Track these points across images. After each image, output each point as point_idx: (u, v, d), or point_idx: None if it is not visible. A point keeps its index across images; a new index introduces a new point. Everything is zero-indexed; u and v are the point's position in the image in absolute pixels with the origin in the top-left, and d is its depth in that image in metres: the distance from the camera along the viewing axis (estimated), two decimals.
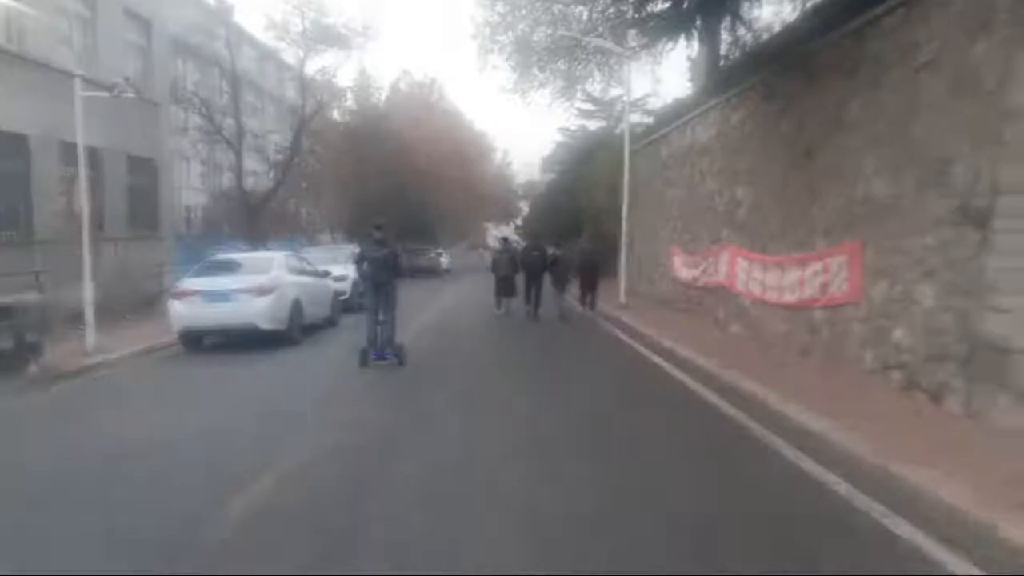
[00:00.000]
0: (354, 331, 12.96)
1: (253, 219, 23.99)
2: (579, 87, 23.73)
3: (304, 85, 24.30)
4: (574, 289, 16.33)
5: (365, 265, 9.75)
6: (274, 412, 7.38)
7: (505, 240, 18.89)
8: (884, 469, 4.71)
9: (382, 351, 9.47)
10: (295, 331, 11.85)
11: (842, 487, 4.72)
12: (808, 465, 5.20)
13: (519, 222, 60.82)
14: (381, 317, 9.52)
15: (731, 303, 11.84)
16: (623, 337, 12.55)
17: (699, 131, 14.25)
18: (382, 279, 9.60)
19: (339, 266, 16.55)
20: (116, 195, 17.90)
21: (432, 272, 36.29)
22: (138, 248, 17.91)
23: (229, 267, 12.06)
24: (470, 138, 46.14)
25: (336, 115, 33.76)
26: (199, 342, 11.75)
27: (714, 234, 12.89)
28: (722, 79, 12.95)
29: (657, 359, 10.11)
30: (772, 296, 9.91)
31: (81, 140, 10.84)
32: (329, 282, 14.48)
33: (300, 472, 5.35)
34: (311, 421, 7.03)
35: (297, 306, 11.95)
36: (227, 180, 29.01)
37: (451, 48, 74.68)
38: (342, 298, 15.98)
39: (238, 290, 11.08)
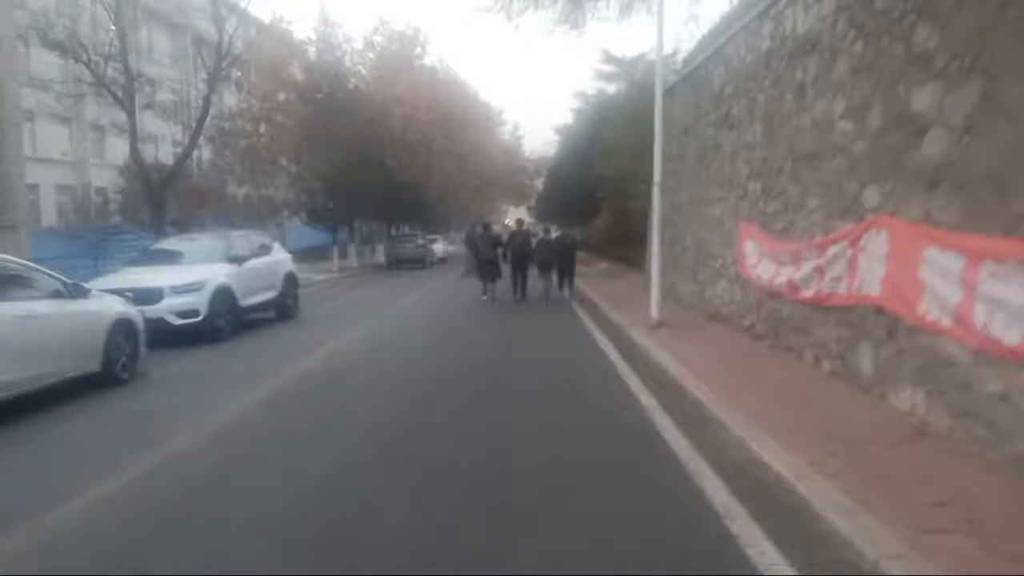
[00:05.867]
0: (161, 395, 6.76)
1: (158, 200, 17.94)
2: (591, 12, 17.37)
3: (218, 15, 17.88)
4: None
5: (477, 243, 16.78)
6: None
7: (486, 226, 19.14)
8: None
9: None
10: None
11: None
12: None
13: (532, 203, 54.68)
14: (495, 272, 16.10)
15: (908, 349, 5.43)
16: (657, 417, 6.05)
17: (795, 18, 7.85)
18: (488, 253, 15.95)
19: (193, 268, 10.23)
20: None
21: (419, 262, 30.23)
22: None
23: None
24: (469, 105, 39.71)
25: (296, 72, 27.68)
26: None
27: (841, 200, 6.51)
28: None
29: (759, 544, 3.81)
30: None
31: None
32: (94, 305, 7.47)
33: None
34: None
35: None
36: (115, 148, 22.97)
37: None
38: (187, 321, 9.60)
39: None
